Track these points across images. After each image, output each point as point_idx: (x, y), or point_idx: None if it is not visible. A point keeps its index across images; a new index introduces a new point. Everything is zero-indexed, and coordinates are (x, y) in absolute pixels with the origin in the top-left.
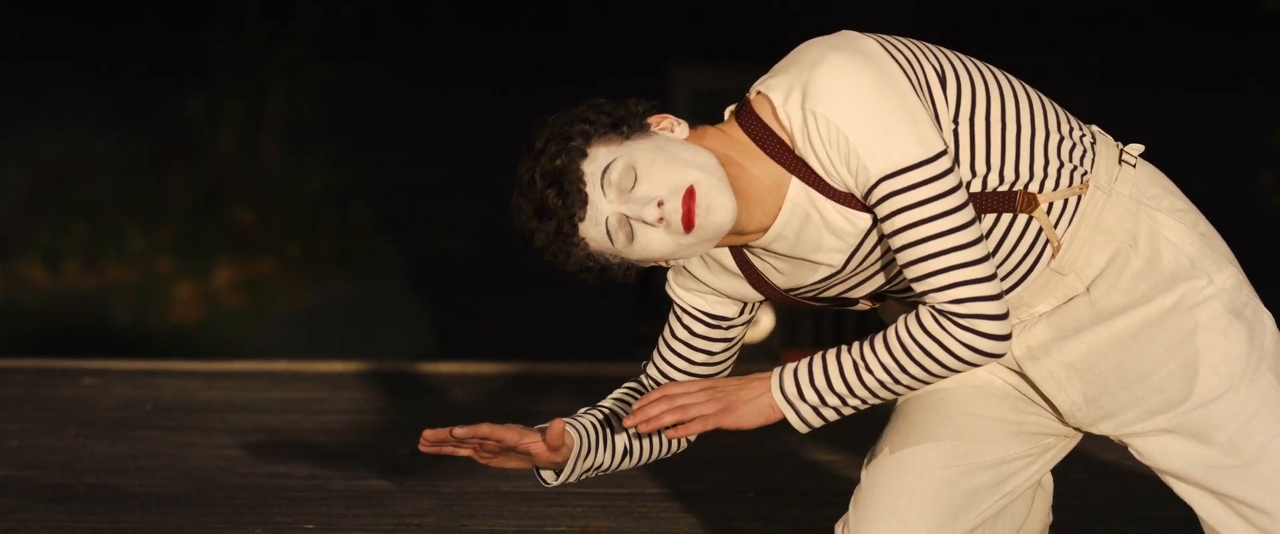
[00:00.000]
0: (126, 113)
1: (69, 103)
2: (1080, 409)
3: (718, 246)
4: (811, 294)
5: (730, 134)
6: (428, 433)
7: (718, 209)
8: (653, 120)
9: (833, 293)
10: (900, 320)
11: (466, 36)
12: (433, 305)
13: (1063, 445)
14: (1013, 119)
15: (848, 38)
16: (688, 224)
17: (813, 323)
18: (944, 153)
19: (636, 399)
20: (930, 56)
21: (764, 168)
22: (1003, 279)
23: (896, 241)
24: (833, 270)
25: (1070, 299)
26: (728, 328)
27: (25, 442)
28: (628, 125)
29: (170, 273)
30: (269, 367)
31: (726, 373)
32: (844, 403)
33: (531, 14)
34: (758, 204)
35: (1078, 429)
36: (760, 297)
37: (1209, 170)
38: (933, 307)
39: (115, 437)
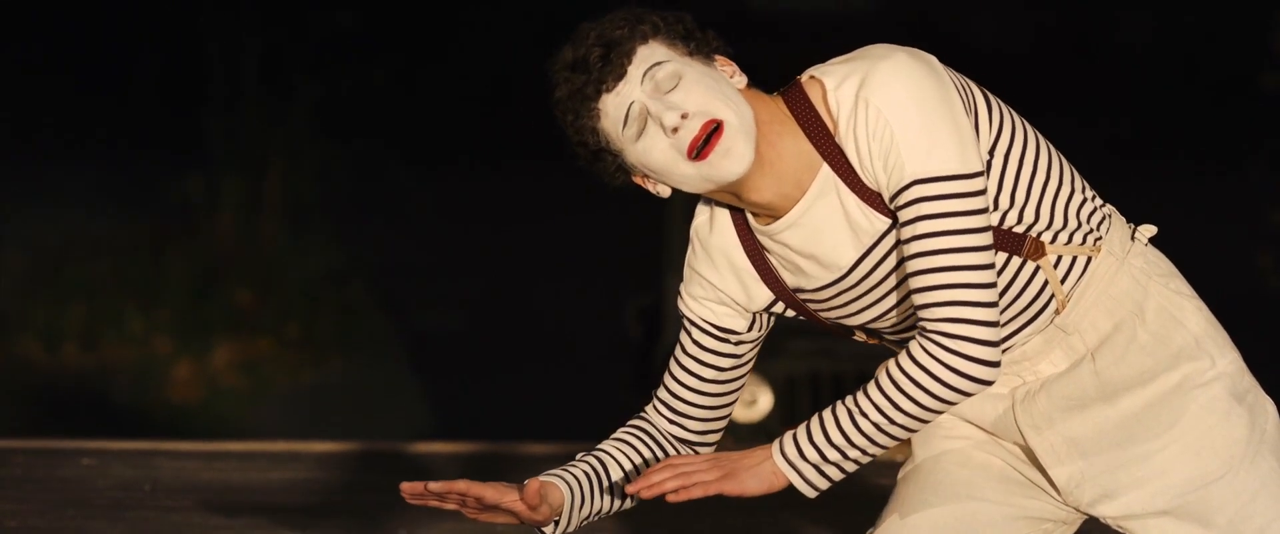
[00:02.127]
0: (125, 192)
1: (68, 182)
2: (1079, 486)
3: (736, 207)
4: (816, 302)
5: (775, 106)
6: (405, 485)
7: (733, 157)
8: (719, 58)
9: (834, 305)
10: (890, 360)
11: (464, 114)
12: (431, 384)
13: (1062, 532)
14: (1043, 168)
15: (914, 49)
16: (693, 150)
17: (812, 399)
18: (981, 174)
19: (632, 438)
20: (980, 90)
21: (798, 146)
22: (1002, 326)
23: (911, 249)
24: (841, 272)
25: (1075, 366)
26: (737, 343)
27: (23, 523)
28: (697, 44)
29: (169, 353)
30: (268, 447)
31: (736, 397)
32: (844, 456)
33: (528, 91)
34: (783, 179)
35: (1076, 508)
36: (768, 298)
37: (1208, 249)
38: (924, 330)
39: (114, 518)
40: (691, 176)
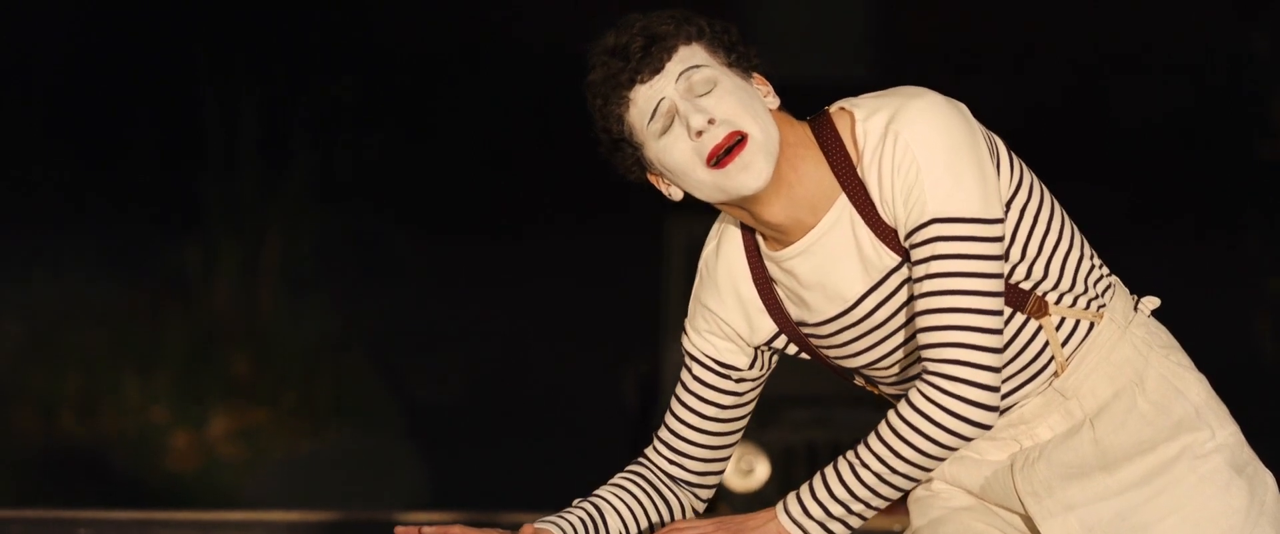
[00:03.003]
0: (122, 260)
1: (64, 250)
2: None
3: (747, 228)
4: (818, 338)
5: (802, 132)
6: (399, 529)
7: (751, 172)
8: (757, 76)
9: (836, 343)
10: (889, 410)
11: (462, 182)
12: (430, 454)
13: None
14: (1057, 229)
15: (945, 95)
16: (713, 157)
17: (808, 468)
18: (1000, 222)
19: (630, 483)
20: (1003, 144)
21: (818, 174)
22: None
23: (922, 287)
24: (847, 305)
25: (1074, 434)
26: (738, 380)
27: None
28: (738, 56)
29: (166, 422)
30: (266, 517)
31: (737, 439)
32: (848, 511)
33: (528, 159)
34: (799, 204)
35: None
36: (771, 331)
37: (1205, 317)
38: (925, 372)
39: None
40: (706, 183)
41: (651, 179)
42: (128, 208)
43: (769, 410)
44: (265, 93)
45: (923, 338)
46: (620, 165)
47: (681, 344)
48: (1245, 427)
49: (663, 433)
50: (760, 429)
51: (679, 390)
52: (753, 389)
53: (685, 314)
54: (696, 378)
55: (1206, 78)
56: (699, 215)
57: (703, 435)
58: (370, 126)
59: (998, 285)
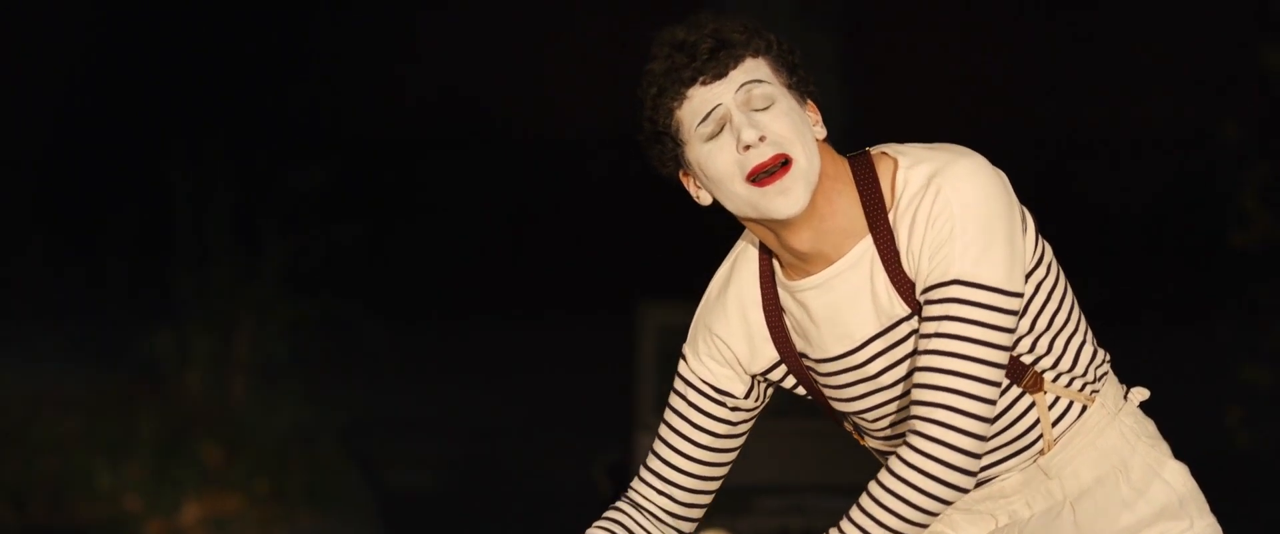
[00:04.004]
0: (94, 349)
1: (37, 338)
2: None
3: (766, 252)
4: (817, 374)
5: (841, 167)
6: None
7: (789, 198)
8: (810, 103)
9: (834, 384)
10: (873, 479)
11: (434, 271)
12: None
13: None
14: (1066, 310)
15: (992, 164)
16: (755, 174)
17: None
18: (1019, 297)
19: (612, 525)
20: (1031, 218)
21: (850, 211)
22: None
23: (928, 344)
24: (853, 346)
25: (1054, 515)
26: (732, 409)
27: None
28: (797, 80)
29: (139, 511)
30: None
31: (723, 473)
32: None
33: (500, 248)
34: (825, 237)
35: None
36: (772, 359)
37: (1177, 406)
38: (910, 430)
39: None
40: (742, 198)
41: (683, 178)
42: (100, 297)
43: (743, 499)
44: (237, 183)
45: (917, 394)
46: (655, 158)
47: (678, 370)
48: (1217, 516)
49: (652, 462)
50: (734, 517)
51: (670, 418)
52: (745, 421)
53: (660, 399)
54: (692, 404)
55: (1178, 165)
56: (671, 304)
57: (693, 464)
58: (341, 216)
59: (1002, 358)
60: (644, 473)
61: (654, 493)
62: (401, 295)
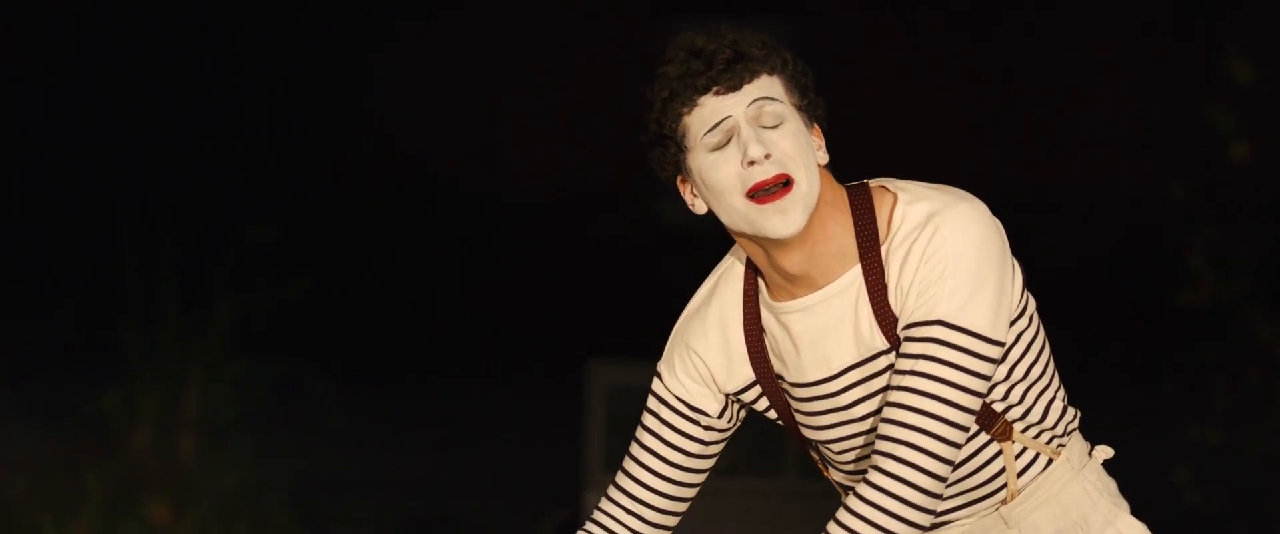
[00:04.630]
0: (41, 407)
1: None
2: None
3: (754, 272)
4: (793, 398)
5: (839, 194)
6: None
7: (785, 219)
8: (816, 128)
9: (806, 410)
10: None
11: (383, 330)
12: None
13: None
14: (1042, 363)
15: (990, 212)
16: (756, 191)
17: None
18: (1000, 347)
19: None
20: (1020, 270)
21: (843, 239)
22: (945, 498)
23: (902, 381)
24: (829, 374)
25: None
26: (705, 427)
27: None
28: (808, 103)
29: None
30: None
31: (692, 495)
32: None
33: (448, 308)
34: (816, 262)
35: None
36: (747, 379)
37: (1125, 465)
38: (872, 466)
39: None
40: (738, 212)
41: (680, 184)
42: (48, 354)
43: None
44: (185, 240)
45: (884, 429)
46: (655, 160)
47: (651, 389)
48: None
49: (621, 480)
50: None
51: (642, 436)
52: (717, 442)
53: (609, 459)
54: (665, 422)
55: (1126, 225)
56: (620, 363)
57: (664, 483)
58: (290, 274)
59: (974, 404)
60: (612, 493)
61: (622, 513)
62: (351, 354)
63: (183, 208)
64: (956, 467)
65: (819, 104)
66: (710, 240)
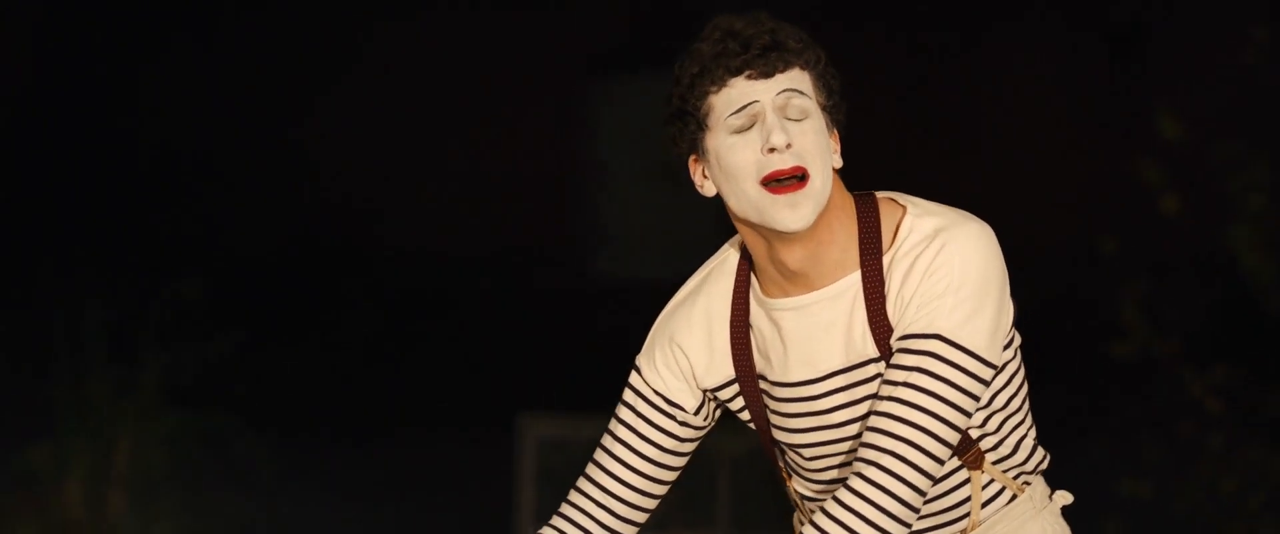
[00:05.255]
0: None
1: None
2: None
3: (755, 260)
4: (773, 397)
5: (847, 200)
6: None
7: (796, 213)
8: (835, 133)
9: (785, 411)
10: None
11: (313, 384)
12: None
13: None
14: (1020, 399)
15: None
16: (771, 180)
17: None
18: (993, 369)
19: None
20: (1012, 308)
21: (846, 244)
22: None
23: (891, 391)
24: (815, 376)
25: None
26: (681, 422)
27: None
28: (832, 104)
29: None
30: None
31: (663, 492)
32: None
33: (379, 361)
34: (818, 262)
35: None
36: (727, 376)
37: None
38: (854, 471)
39: None
40: (749, 198)
41: (692, 163)
42: None
43: None
44: (114, 296)
45: (870, 436)
46: (674, 134)
47: (629, 382)
48: None
49: (592, 472)
50: None
51: (616, 429)
52: (690, 440)
53: (540, 511)
54: (640, 415)
55: (1057, 278)
56: (550, 417)
57: (636, 476)
58: (219, 329)
59: (962, 422)
60: (582, 484)
61: (592, 505)
62: (281, 409)
63: (110, 262)
64: (935, 482)
65: (842, 108)
66: (642, 295)
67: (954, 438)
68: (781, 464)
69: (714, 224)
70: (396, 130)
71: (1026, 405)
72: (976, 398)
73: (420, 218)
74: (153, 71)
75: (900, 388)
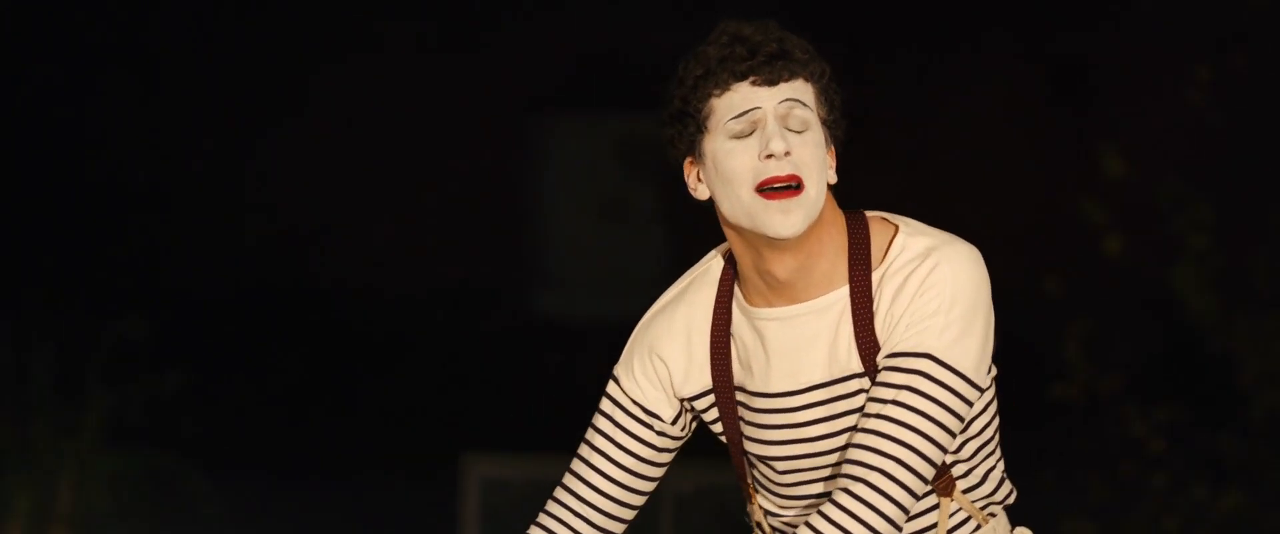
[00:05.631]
0: None
1: None
2: None
3: (742, 268)
4: (749, 408)
5: (838, 216)
6: None
7: (788, 220)
8: (831, 149)
9: (760, 422)
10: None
11: (258, 424)
12: None
13: None
14: (992, 431)
15: None
16: (766, 186)
17: None
18: (979, 392)
19: None
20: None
21: (834, 260)
22: None
23: (878, 409)
24: (795, 388)
25: None
26: (658, 432)
27: None
28: (832, 120)
29: None
30: None
31: (641, 502)
32: None
33: (324, 402)
34: (806, 272)
35: None
36: (703, 386)
37: None
38: (839, 487)
39: None
40: (743, 202)
41: (687, 165)
42: None
43: None
44: (57, 335)
45: (856, 453)
46: (672, 136)
47: (606, 392)
48: None
49: (569, 481)
50: None
51: (593, 438)
52: (667, 451)
53: None
54: (618, 424)
55: (999, 317)
56: (494, 456)
57: (612, 486)
58: (164, 368)
59: (948, 443)
60: (559, 494)
61: (568, 514)
62: (226, 449)
63: (54, 300)
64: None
65: (841, 126)
66: (587, 334)
67: (939, 458)
68: (749, 480)
69: (659, 263)
70: (341, 169)
71: (998, 437)
72: (963, 419)
73: (365, 257)
74: (97, 109)
75: (889, 406)
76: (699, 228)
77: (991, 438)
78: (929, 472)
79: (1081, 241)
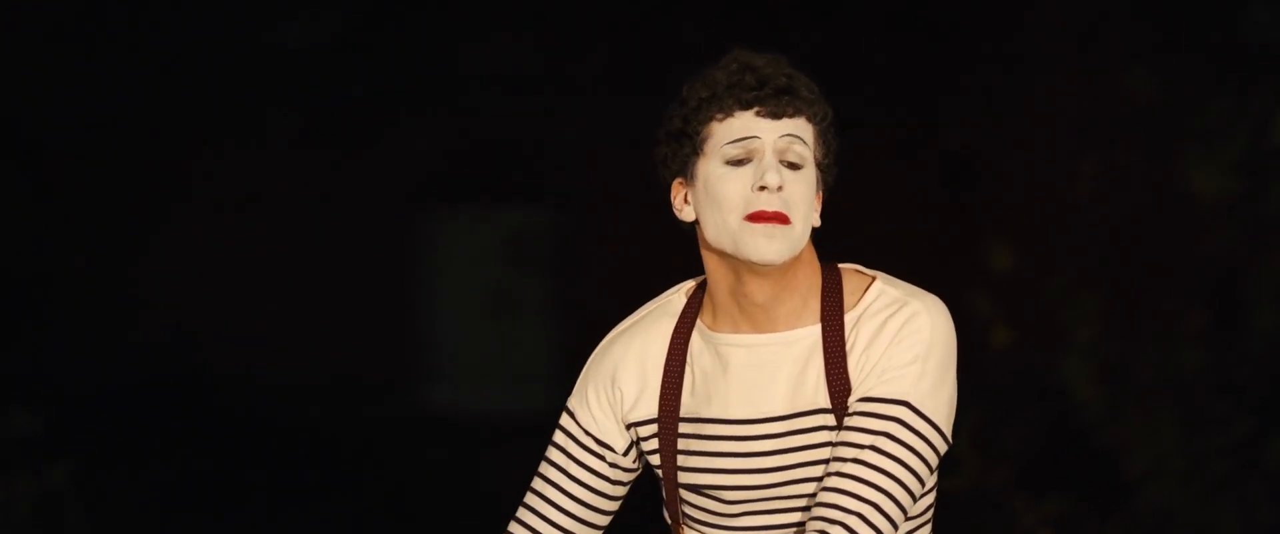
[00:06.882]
0: None
1: None
2: None
3: (716, 293)
4: (697, 436)
5: (814, 259)
6: None
7: (772, 246)
8: (819, 193)
9: (709, 451)
10: None
11: (147, 518)
12: None
13: None
14: (931, 498)
15: None
16: (756, 219)
17: None
18: (948, 446)
19: None
20: None
21: (808, 298)
22: None
23: (851, 453)
24: (755, 417)
25: None
26: (610, 463)
27: None
28: (827, 165)
29: None
30: None
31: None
32: None
33: (213, 493)
34: (780, 303)
35: None
36: (648, 415)
37: None
38: (818, 525)
39: None
40: (730, 228)
41: (676, 186)
42: None
43: None
44: None
45: (828, 496)
46: (666, 155)
47: (559, 424)
48: None
49: (523, 515)
50: None
51: (546, 471)
52: (619, 483)
53: None
54: (571, 456)
55: None
56: None
57: (566, 518)
58: (52, 461)
59: (918, 492)
60: (513, 529)
61: None
62: None
63: None
64: None
65: (833, 172)
66: (476, 427)
67: (911, 507)
68: (681, 512)
69: (549, 357)
70: (227, 263)
71: (933, 508)
72: (932, 471)
73: (252, 349)
74: None
75: (866, 451)
76: (586, 322)
77: (929, 507)
78: (901, 518)
79: (970, 334)
